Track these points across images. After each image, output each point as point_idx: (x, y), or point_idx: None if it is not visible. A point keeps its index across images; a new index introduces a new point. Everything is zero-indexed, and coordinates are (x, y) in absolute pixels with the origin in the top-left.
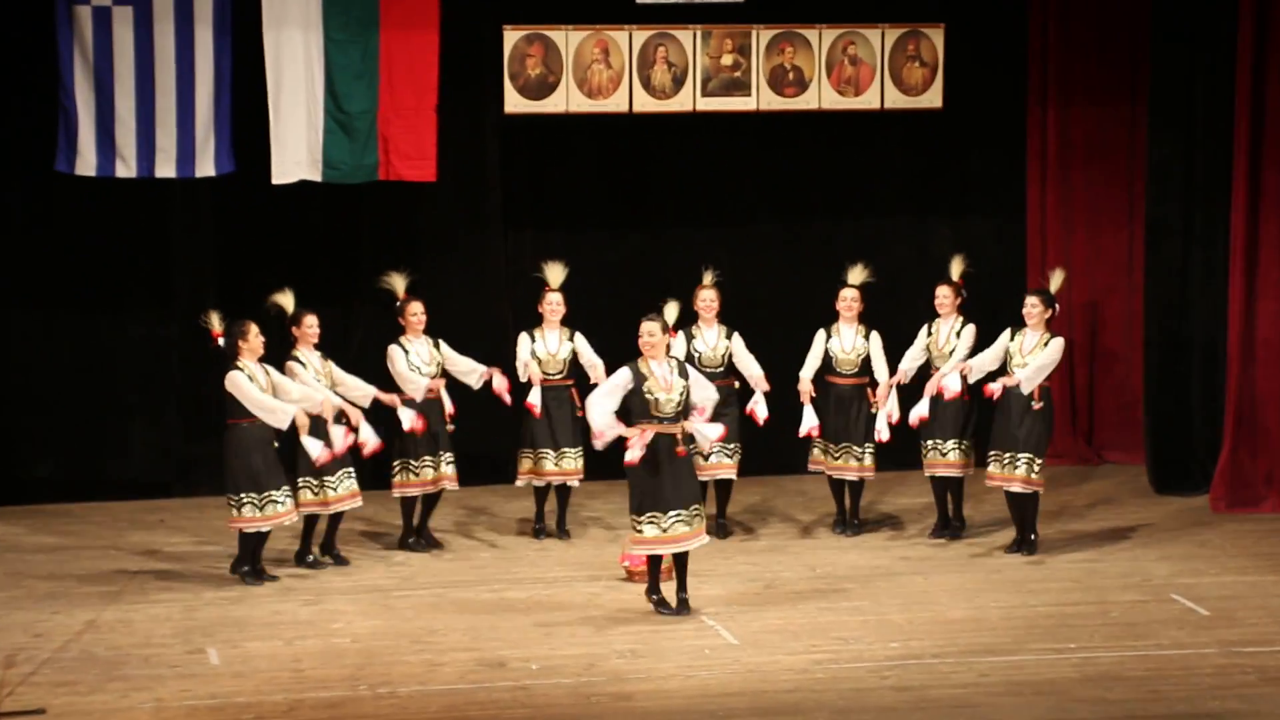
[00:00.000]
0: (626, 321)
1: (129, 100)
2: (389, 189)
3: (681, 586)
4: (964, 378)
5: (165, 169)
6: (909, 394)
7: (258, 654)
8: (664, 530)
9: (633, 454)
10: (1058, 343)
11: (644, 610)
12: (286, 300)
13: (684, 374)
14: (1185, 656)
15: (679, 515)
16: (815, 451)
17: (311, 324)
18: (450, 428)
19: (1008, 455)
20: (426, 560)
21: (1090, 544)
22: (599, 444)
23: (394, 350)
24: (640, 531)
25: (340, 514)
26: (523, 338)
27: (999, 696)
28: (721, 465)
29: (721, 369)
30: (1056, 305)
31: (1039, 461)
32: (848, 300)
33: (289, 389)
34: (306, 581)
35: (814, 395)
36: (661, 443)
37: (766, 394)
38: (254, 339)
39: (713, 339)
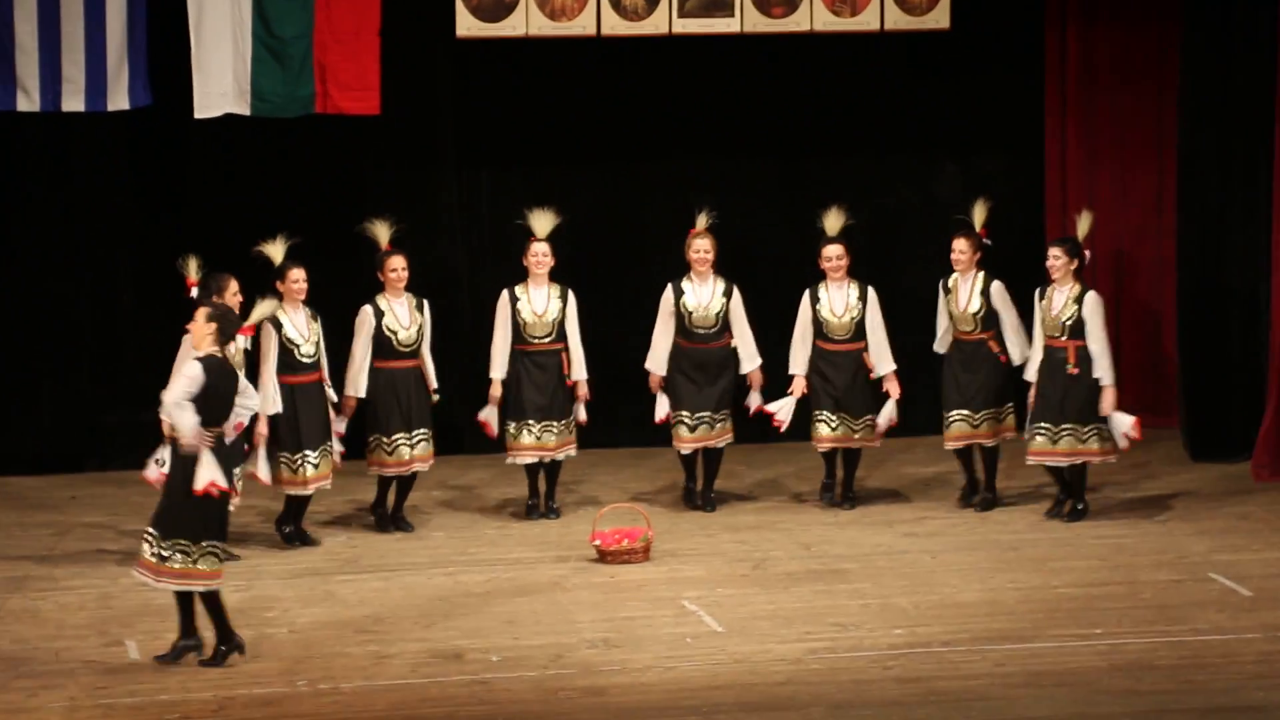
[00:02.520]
0: (594, 271)
1: (30, 24)
2: (326, 123)
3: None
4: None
5: (73, 102)
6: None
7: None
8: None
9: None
10: (1092, 301)
11: (618, 595)
12: (275, 251)
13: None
14: (1225, 642)
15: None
16: (820, 429)
17: (297, 279)
18: (435, 399)
19: (1041, 427)
20: (372, 540)
21: (1119, 518)
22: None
23: (363, 315)
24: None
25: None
26: (503, 303)
27: (1016, 688)
28: (710, 435)
29: (715, 328)
30: (1085, 254)
31: (1084, 430)
32: (832, 258)
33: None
34: (237, 565)
35: (805, 393)
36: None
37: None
38: (230, 297)
39: (706, 295)
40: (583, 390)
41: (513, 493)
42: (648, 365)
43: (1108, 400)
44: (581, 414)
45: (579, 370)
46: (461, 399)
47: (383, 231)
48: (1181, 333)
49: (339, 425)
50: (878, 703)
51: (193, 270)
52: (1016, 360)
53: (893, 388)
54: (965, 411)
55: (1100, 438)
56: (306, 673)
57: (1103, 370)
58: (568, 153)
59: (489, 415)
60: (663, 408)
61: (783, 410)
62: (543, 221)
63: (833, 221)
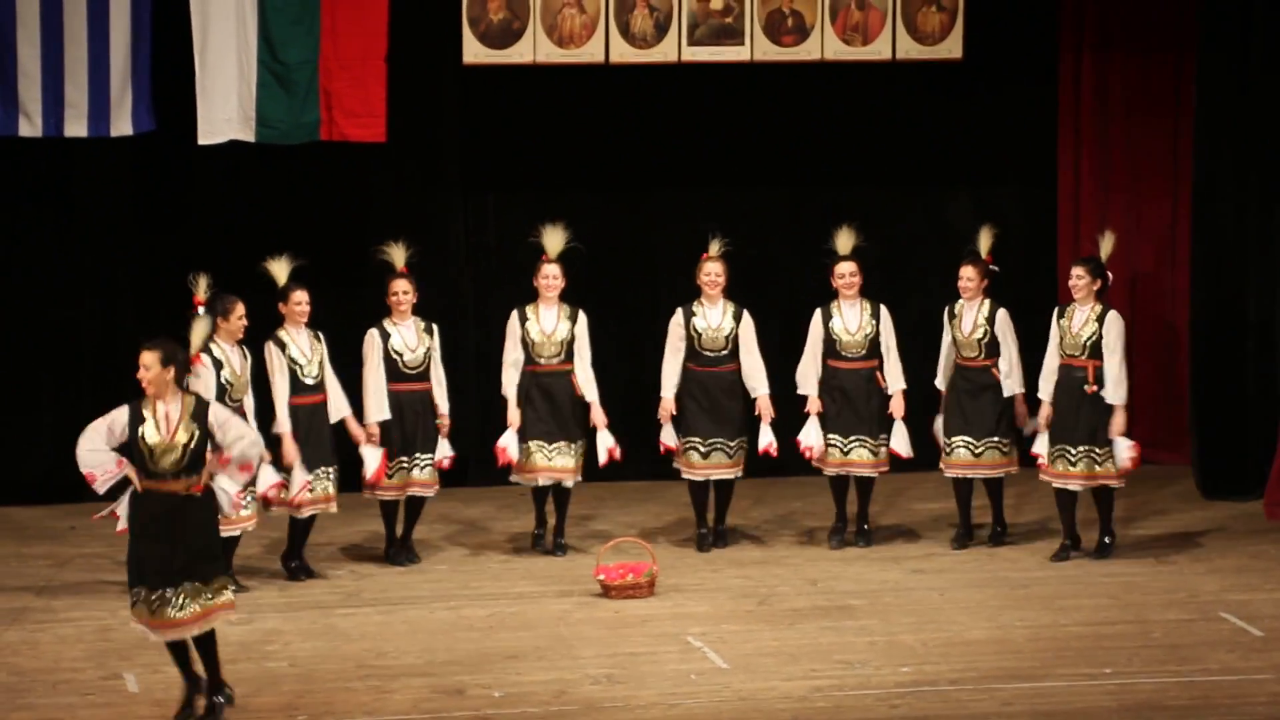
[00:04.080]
0: (600, 297)
1: (33, 48)
2: (332, 150)
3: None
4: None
5: (75, 127)
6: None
7: (181, 680)
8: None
9: None
10: (1114, 320)
11: (622, 631)
12: (279, 269)
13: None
14: (1236, 683)
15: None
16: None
17: (300, 300)
18: (447, 423)
19: (1059, 449)
20: (374, 573)
21: (1129, 555)
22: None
23: (369, 340)
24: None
25: (311, 519)
26: (513, 322)
27: None
28: (722, 465)
29: (725, 352)
30: (1109, 275)
31: (1101, 453)
32: (845, 275)
33: (233, 431)
34: (238, 597)
35: (821, 410)
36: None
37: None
38: (235, 321)
39: (716, 318)
40: (598, 415)
41: (517, 526)
42: (663, 390)
43: (1117, 422)
44: (609, 440)
45: (590, 392)
46: (466, 430)
47: (398, 255)
48: (1194, 366)
49: (372, 457)
50: None
51: (202, 289)
52: (1006, 392)
53: (897, 408)
54: (967, 438)
55: (1115, 461)
56: (307, 707)
57: (1118, 392)
58: (575, 180)
59: (507, 440)
60: (669, 437)
61: (810, 437)
62: (554, 240)
63: (844, 240)
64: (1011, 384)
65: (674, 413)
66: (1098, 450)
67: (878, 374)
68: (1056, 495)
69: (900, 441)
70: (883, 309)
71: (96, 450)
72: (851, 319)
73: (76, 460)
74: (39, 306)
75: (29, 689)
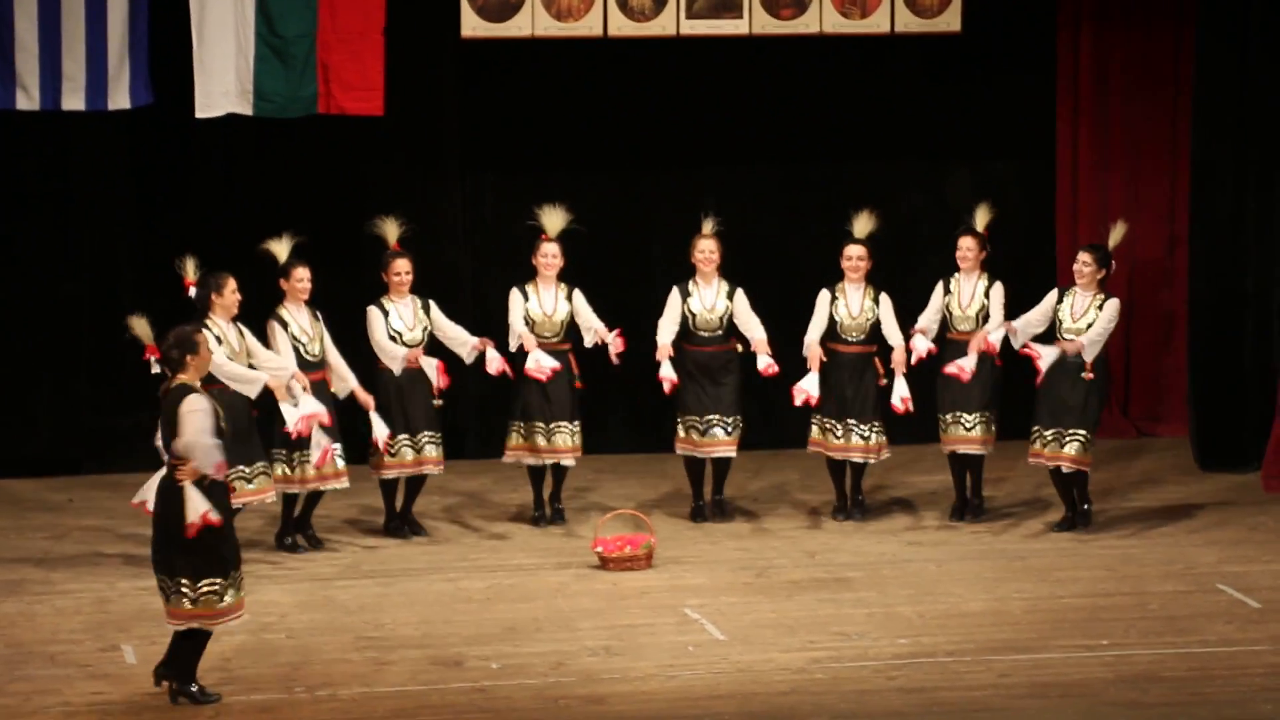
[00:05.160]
0: (601, 275)
1: (31, 21)
2: (329, 124)
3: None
4: (1008, 339)
5: (73, 101)
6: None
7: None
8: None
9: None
10: (1113, 304)
11: (620, 603)
12: (280, 248)
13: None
14: (1233, 654)
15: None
16: (814, 431)
17: (301, 278)
18: (437, 402)
19: (1053, 431)
20: (372, 546)
21: (1127, 527)
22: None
23: (373, 314)
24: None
25: (319, 493)
26: (515, 297)
27: (1021, 699)
28: (719, 442)
29: (720, 332)
30: (1113, 264)
31: (1091, 438)
32: (853, 258)
33: (260, 355)
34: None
35: (824, 360)
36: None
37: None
38: (229, 295)
39: (711, 297)
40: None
41: (515, 498)
42: (658, 337)
43: (1066, 346)
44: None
45: (600, 327)
46: (463, 404)
47: (391, 231)
48: (1192, 341)
49: (382, 424)
50: (881, 713)
51: (190, 270)
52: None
53: (899, 362)
54: (960, 413)
55: (1083, 445)
56: (305, 679)
57: (1086, 341)
58: (573, 154)
59: (540, 360)
60: (669, 371)
61: (809, 384)
62: (554, 220)
63: (861, 224)
64: (992, 333)
65: (672, 355)
66: (1053, 430)
67: (875, 360)
68: (1051, 473)
69: (901, 393)
70: (884, 296)
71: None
72: (854, 302)
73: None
74: (36, 282)
75: (27, 660)
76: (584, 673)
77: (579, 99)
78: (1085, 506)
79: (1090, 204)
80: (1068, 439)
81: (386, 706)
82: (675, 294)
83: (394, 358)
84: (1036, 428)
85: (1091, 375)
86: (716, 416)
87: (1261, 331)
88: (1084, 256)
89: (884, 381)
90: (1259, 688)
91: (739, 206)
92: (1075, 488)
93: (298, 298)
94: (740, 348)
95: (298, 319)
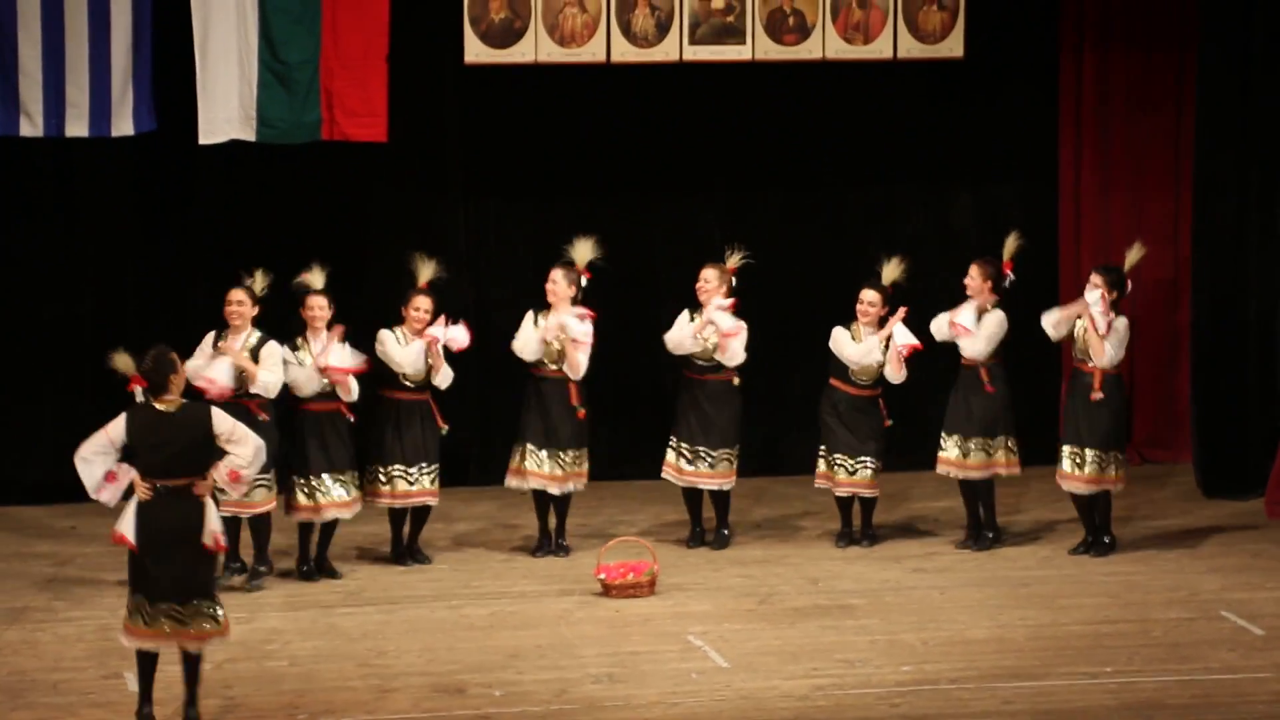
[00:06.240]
0: (603, 298)
1: (34, 47)
2: (333, 150)
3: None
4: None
5: (76, 127)
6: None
7: (182, 679)
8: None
9: None
10: (1122, 324)
11: (623, 630)
12: (316, 279)
13: None
14: (1237, 682)
15: None
16: (821, 465)
17: (313, 306)
18: (444, 428)
19: (1069, 451)
20: (375, 573)
21: (1130, 554)
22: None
23: (386, 334)
24: None
25: (334, 522)
26: (529, 317)
27: None
28: (701, 474)
29: (715, 362)
30: (1128, 285)
31: (1106, 457)
32: (864, 303)
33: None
34: (237, 597)
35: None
36: None
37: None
38: (232, 307)
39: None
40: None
41: (518, 525)
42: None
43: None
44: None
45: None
46: (466, 431)
47: (425, 268)
48: (1195, 364)
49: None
50: None
51: (259, 284)
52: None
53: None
54: (957, 436)
55: (1117, 464)
56: (307, 706)
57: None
58: (576, 179)
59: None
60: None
61: (903, 336)
62: (584, 251)
63: (890, 271)
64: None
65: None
66: (1105, 455)
67: (880, 401)
68: (1072, 495)
69: (904, 338)
70: (893, 340)
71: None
72: (868, 345)
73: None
74: (40, 306)
75: (29, 688)
76: (587, 700)
77: (582, 124)
78: (1105, 539)
79: (1093, 226)
80: (1080, 460)
81: None
82: (685, 314)
83: (410, 359)
84: (1069, 449)
85: (1099, 395)
86: (703, 449)
87: (1265, 355)
88: (1095, 278)
89: (889, 423)
90: (1263, 715)
91: (741, 230)
92: (1095, 513)
93: (314, 326)
94: (737, 381)
95: (314, 348)
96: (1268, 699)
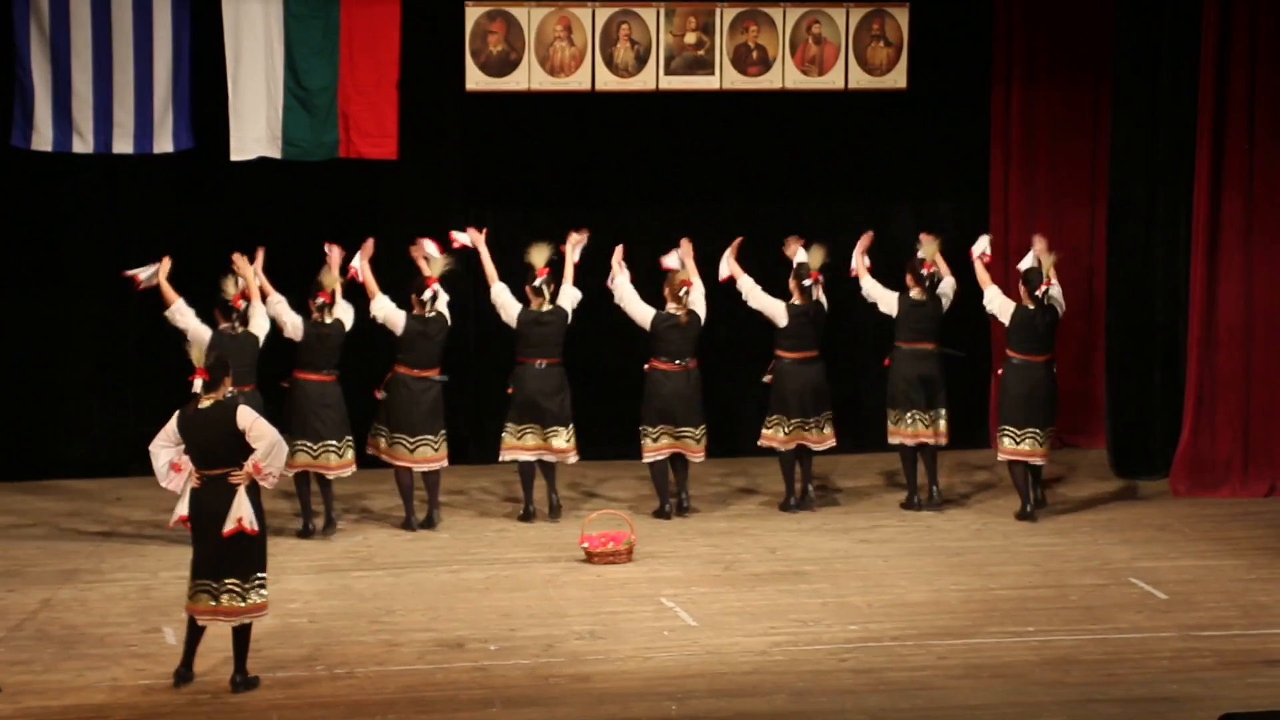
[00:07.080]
0: (588, 297)
1: (86, 74)
2: (349, 167)
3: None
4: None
5: (123, 145)
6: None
7: (214, 633)
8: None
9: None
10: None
11: (603, 592)
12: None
13: None
14: (1143, 640)
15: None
16: (776, 430)
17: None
18: (380, 394)
19: (1027, 432)
20: (385, 540)
21: (1050, 527)
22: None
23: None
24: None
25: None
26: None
27: (957, 679)
28: (670, 445)
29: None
30: (1045, 279)
31: (1010, 431)
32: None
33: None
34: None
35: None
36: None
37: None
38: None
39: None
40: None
41: (512, 499)
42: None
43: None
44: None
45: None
46: (465, 417)
47: (438, 264)
48: (1109, 362)
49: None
50: (834, 691)
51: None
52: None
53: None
54: (917, 412)
55: (1040, 441)
56: (325, 659)
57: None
58: (564, 193)
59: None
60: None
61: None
62: (540, 254)
63: (814, 255)
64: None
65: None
66: (1042, 433)
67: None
68: (1010, 467)
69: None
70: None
71: None
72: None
73: None
74: (90, 304)
75: (79, 640)
76: (571, 654)
77: (570, 145)
78: (1032, 500)
79: (1021, 238)
80: (1045, 438)
81: (397, 683)
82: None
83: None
84: (1027, 430)
85: (1000, 371)
86: (685, 427)
87: (1169, 354)
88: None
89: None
90: (1166, 669)
91: (709, 240)
92: (1020, 481)
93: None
94: (694, 364)
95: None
96: (1170, 656)
